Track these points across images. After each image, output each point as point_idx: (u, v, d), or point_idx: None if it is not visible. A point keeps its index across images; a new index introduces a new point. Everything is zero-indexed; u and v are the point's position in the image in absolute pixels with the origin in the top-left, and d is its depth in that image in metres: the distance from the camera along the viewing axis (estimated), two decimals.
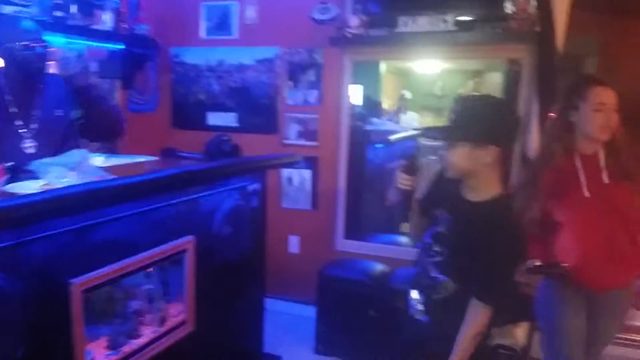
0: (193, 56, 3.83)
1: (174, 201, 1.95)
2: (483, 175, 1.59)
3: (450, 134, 1.59)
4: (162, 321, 2.06)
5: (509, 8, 2.92)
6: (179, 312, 2.13)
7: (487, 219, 1.56)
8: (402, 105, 6.39)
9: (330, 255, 3.49)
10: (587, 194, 1.96)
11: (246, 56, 3.68)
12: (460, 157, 1.56)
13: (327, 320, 3.15)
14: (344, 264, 3.28)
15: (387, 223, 4.67)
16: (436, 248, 1.68)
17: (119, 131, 2.46)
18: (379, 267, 3.17)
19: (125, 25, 3.39)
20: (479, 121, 1.55)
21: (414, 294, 1.77)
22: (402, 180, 1.78)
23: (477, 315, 1.59)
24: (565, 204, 2.02)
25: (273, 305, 3.48)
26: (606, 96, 1.99)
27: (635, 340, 3.05)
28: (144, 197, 1.75)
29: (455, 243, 1.63)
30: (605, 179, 1.97)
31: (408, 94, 6.40)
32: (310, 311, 3.26)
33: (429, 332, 1.72)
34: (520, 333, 2.73)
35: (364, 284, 3.04)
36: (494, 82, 6.29)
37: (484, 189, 1.61)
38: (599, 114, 1.96)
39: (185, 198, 2.00)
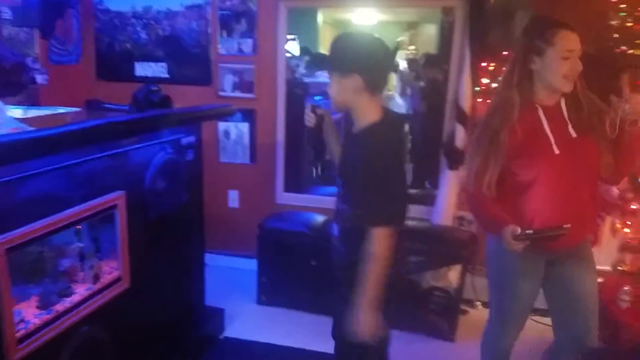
0: (117, 2, 3.59)
1: (101, 155, 1.86)
2: (358, 105, 1.70)
3: (323, 64, 1.81)
4: (96, 278, 2.01)
5: None
6: (112, 269, 2.08)
7: (359, 144, 1.70)
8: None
9: (271, 208, 3.48)
10: (557, 150, 1.80)
11: (174, 2, 3.48)
12: (334, 88, 1.70)
13: (268, 272, 3.18)
14: (284, 217, 3.28)
15: (326, 175, 4.72)
16: (338, 183, 1.82)
17: (16, 84, 2.25)
18: (319, 218, 3.20)
19: None
20: (345, 52, 1.69)
21: (334, 229, 1.88)
22: (309, 119, 1.88)
23: (374, 237, 1.63)
24: (534, 163, 1.83)
25: (215, 260, 3.48)
26: (574, 42, 1.79)
27: None
28: (65, 150, 1.65)
29: (342, 173, 1.79)
30: (572, 132, 1.83)
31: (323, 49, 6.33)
32: (252, 264, 3.27)
33: (345, 261, 1.81)
34: (453, 276, 2.86)
35: (304, 235, 3.06)
36: (429, 34, 6.35)
37: (360, 118, 1.72)
38: (566, 61, 1.77)
39: (113, 152, 1.92)
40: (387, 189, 1.66)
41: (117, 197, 1.96)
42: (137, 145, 2.03)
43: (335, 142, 1.97)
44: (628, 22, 3.82)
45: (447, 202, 3.11)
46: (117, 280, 2.07)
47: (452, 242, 2.93)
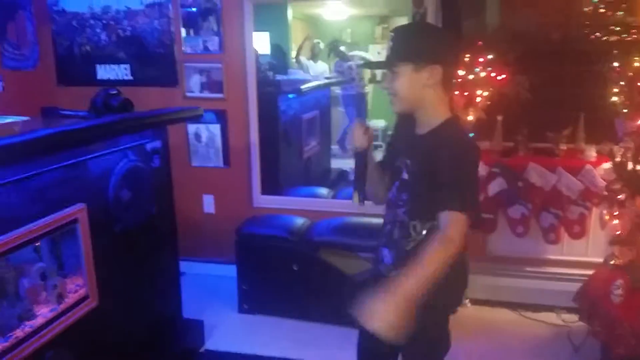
0: (74, 3, 3.40)
1: (57, 166, 1.71)
2: (428, 101, 1.53)
3: (393, 57, 1.52)
4: (60, 298, 1.88)
5: None
6: (78, 287, 1.95)
7: (435, 142, 1.50)
8: (314, 54, 6.23)
9: (248, 212, 3.35)
10: None
11: (134, 0, 3.31)
12: (403, 82, 1.50)
13: (249, 279, 3.05)
14: (262, 220, 3.15)
15: (305, 175, 4.60)
16: (403, 197, 1.59)
17: None
18: (299, 221, 3.08)
19: None
20: (417, 40, 1.53)
21: (385, 253, 1.65)
22: (358, 138, 1.62)
23: (451, 223, 1.36)
24: None
25: (191, 269, 3.35)
26: None
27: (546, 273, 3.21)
28: (15, 163, 1.51)
29: (416, 181, 1.56)
30: None
31: (320, 42, 6.24)
32: (231, 271, 3.13)
33: None
34: None
35: (284, 239, 2.94)
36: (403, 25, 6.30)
37: (431, 117, 1.54)
38: None
39: (70, 162, 1.77)
40: (475, 188, 1.51)
41: (77, 210, 1.82)
42: (96, 154, 1.89)
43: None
44: (600, 8, 3.80)
45: None
46: (84, 298, 1.94)
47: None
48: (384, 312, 1.26)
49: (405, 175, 1.60)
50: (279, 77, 4.57)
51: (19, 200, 1.63)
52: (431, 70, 1.48)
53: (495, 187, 3.11)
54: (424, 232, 1.52)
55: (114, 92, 2.02)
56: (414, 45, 1.51)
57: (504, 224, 3.17)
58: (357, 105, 6.01)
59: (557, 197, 3.05)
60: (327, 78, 5.92)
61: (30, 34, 3.38)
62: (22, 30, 3.32)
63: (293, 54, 6.21)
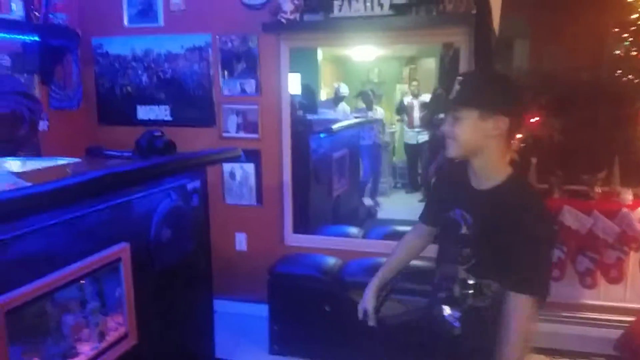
0: (117, 46, 3.56)
1: (103, 206, 1.76)
2: (489, 153, 1.48)
3: (458, 101, 1.50)
4: (102, 336, 1.89)
5: None
6: (119, 325, 1.97)
7: (506, 203, 1.45)
8: (337, 97, 6.32)
9: (280, 250, 3.37)
10: None
11: (174, 44, 3.45)
12: (466, 128, 1.47)
13: (280, 318, 3.04)
14: (294, 260, 3.16)
15: (336, 214, 4.62)
16: (465, 253, 1.54)
17: (20, 137, 2.17)
18: (330, 261, 3.08)
19: (38, 14, 3.08)
20: (487, 88, 1.50)
21: (447, 310, 1.61)
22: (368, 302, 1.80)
23: (519, 309, 1.39)
24: None
25: (223, 307, 3.34)
26: None
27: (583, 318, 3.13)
28: (66, 205, 1.56)
29: (482, 240, 1.50)
30: None
31: (344, 88, 6.32)
32: (262, 310, 3.13)
33: (467, 346, 1.57)
34: None
35: (316, 279, 2.94)
36: (428, 68, 6.38)
37: (492, 171, 1.51)
38: None
39: (115, 202, 1.82)
40: (544, 251, 1.44)
41: (121, 250, 1.86)
42: (140, 194, 1.94)
43: None
44: (632, 51, 3.81)
45: None
46: (124, 336, 1.95)
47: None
48: None
49: (465, 230, 1.54)
50: (309, 116, 4.65)
51: (67, 239, 1.67)
52: (497, 121, 1.44)
53: None
54: (495, 290, 1.49)
55: (158, 133, 2.08)
56: (483, 92, 1.48)
57: None
58: (374, 156, 6.04)
59: (593, 240, 3.00)
60: (357, 117, 6.00)
61: (75, 75, 3.53)
62: (68, 72, 3.47)
63: (322, 93, 6.32)
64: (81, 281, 1.84)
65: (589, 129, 3.65)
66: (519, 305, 1.39)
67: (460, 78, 1.52)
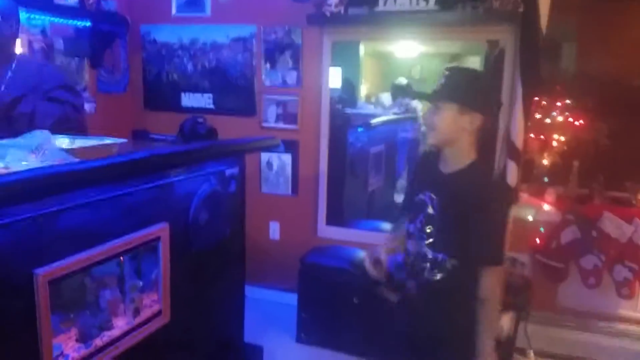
0: (165, 34, 3.67)
1: (147, 186, 1.82)
2: (461, 143, 1.65)
3: (442, 95, 1.65)
4: (136, 312, 1.95)
5: None
6: (153, 302, 2.02)
7: (467, 185, 1.62)
8: (396, 92, 6.26)
9: (312, 241, 3.40)
10: None
11: (220, 34, 3.53)
12: (445, 120, 1.62)
13: (309, 308, 3.08)
14: (326, 251, 3.19)
15: (369, 208, 4.62)
16: (427, 229, 1.70)
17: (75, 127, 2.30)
18: (361, 254, 3.09)
19: (92, 1, 3.20)
20: (467, 87, 1.64)
21: (409, 283, 1.78)
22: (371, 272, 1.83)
23: (493, 279, 1.59)
24: None
25: (253, 293, 3.41)
26: None
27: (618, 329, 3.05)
28: (112, 182, 1.62)
29: (444, 219, 1.67)
30: None
31: (403, 80, 6.28)
32: (292, 299, 3.18)
33: (422, 316, 1.74)
34: (505, 323, 2.68)
35: (346, 272, 2.96)
36: (473, 66, 6.28)
37: (459, 157, 1.67)
38: None
39: (158, 183, 1.88)
40: (497, 225, 1.63)
41: (161, 229, 1.91)
42: (182, 177, 1.99)
43: None
44: None
45: None
46: (158, 314, 2.01)
47: (505, 287, 2.76)
48: None
49: (431, 210, 1.70)
50: (348, 110, 4.66)
51: (110, 216, 1.73)
52: (473, 117, 1.61)
53: (568, 235, 3.00)
54: (448, 265, 1.66)
55: (201, 120, 2.14)
56: (465, 89, 1.63)
57: (575, 274, 3.05)
58: (412, 150, 5.95)
59: (633, 249, 2.91)
60: (395, 114, 5.96)
61: (123, 60, 3.66)
62: (117, 57, 3.59)
63: (362, 88, 6.31)
64: (120, 257, 1.91)
65: (635, 134, 3.54)
66: (491, 276, 1.58)
67: (446, 72, 1.67)
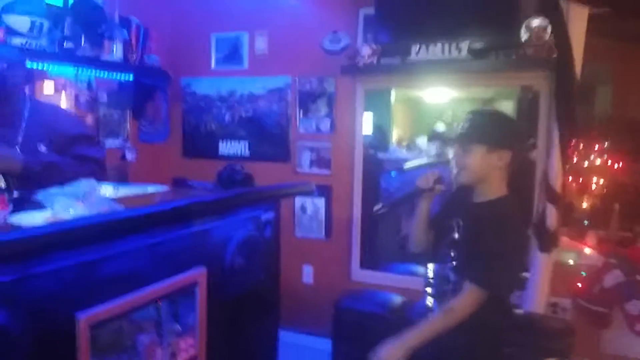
0: (204, 86, 3.83)
1: (186, 232, 1.88)
2: (492, 179, 1.77)
3: (469, 136, 1.77)
4: (173, 356, 1.97)
5: (524, 35, 2.87)
6: (189, 347, 2.04)
7: (492, 214, 1.73)
8: (435, 138, 6.29)
9: (346, 285, 3.39)
10: None
11: (257, 86, 3.67)
12: (475, 159, 1.74)
13: (343, 353, 3.02)
14: (360, 295, 3.16)
15: (403, 252, 4.57)
16: (452, 253, 1.82)
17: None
18: (396, 299, 3.05)
19: (135, 56, 3.39)
20: (493, 127, 1.78)
21: (429, 302, 1.91)
22: (425, 181, 1.94)
23: (466, 295, 1.69)
24: None
25: (287, 338, 3.36)
26: None
27: None
28: (154, 229, 1.68)
29: (466, 244, 1.78)
30: None
31: (441, 126, 6.33)
32: (325, 344, 3.13)
33: (445, 338, 1.80)
34: None
35: (381, 317, 2.91)
36: (505, 111, 6.25)
37: (491, 190, 1.78)
38: None
39: (197, 229, 1.93)
40: (509, 259, 1.70)
41: (198, 274, 1.95)
42: (220, 223, 2.05)
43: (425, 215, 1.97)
44: None
45: (539, 287, 2.87)
46: (193, 358, 2.02)
47: (546, 332, 2.67)
48: (386, 351, 1.77)
49: (456, 235, 1.80)
50: (380, 155, 4.69)
51: (150, 262, 1.78)
52: (501, 154, 1.72)
53: (611, 279, 2.90)
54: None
55: (238, 167, 2.21)
56: (491, 130, 1.75)
57: (620, 320, 2.92)
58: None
59: None
60: (428, 157, 5.95)
61: (164, 111, 3.83)
62: (158, 109, 3.77)
63: (394, 133, 6.34)
64: (159, 302, 1.95)
65: None
66: (468, 291, 1.69)
67: (469, 115, 1.80)
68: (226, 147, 3.79)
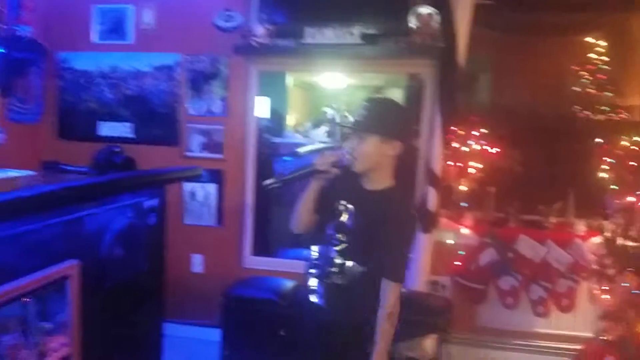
0: (83, 61, 3.53)
1: (54, 221, 1.71)
2: (383, 168, 1.80)
3: (365, 126, 1.77)
4: (42, 357, 1.81)
5: (413, 23, 2.96)
6: (61, 346, 1.88)
7: (386, 205, 1.76)
8: (320, 121, 6.35)
9: (237, 273, 3.32)
10: None
11: (143, 62, 3.44)
12: (369, 148, 1.74)
13: (233, 343, 2.97)
14: (251, 283, 3.12)
15: (296, 237, 4.59)
16: (340, 237, 1.81)
17: None
18: (289, 284, 3.05)
19: (4, 26, 3.04)
20: (389, 118, 1.78)
21: (313, 283, 1.89)
22: (323, 162, 1.84)
23: (390, 293, 1.74)
24: None
25: (174, 330, 3.23)
26: None
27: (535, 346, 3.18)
28: (15, 218, 1.51)
29: (358, 230, 1.79)
30: None
31: (330, 111, 6.39)
32: (215, 334, 3.06)
33: (328, 319, 1.85)
34: (428, 345, 2.73)
35: (273, 303, 2.90)
36: (395, 98, 6.49)
37: (380, 180, 1.81)
38: None
39: (67, 218, 1.77)
40: (406, 248, 1.79)
41: (70, 267, 1.80)
42: (94, 210, 1.89)
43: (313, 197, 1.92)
44: (589, 88, 4.00)
45: (420, 266, 3.02)
46: (67, 358, 1.87)
47: (427, 309, 2.82)
48: None
49: (346, 219, 1.82)
50: (276, 139, 4.66)
51: (13, 254, 1.61)
52: (394, 145, 1.75)
53: (486, 257, 3.13)
54: (355, 272, 1.79)
55: (117, 149, 2.06)
56: (385, 121, 1.76)
57: (493, 295, 3.17)
58: None
59: (546, 269, 3.08)
60: (322, 142, 6.03)
61: (37, 88, 3.48)
62: (30, 86, 3.41)
63: (289, 118, 6.35)
64: (25, 299, 1.77)
65: (547, 162, 3.78)
66: (391, 289, 1.74)
67: (366, 104, 1.81)
68: (108, 129, 3.51)
